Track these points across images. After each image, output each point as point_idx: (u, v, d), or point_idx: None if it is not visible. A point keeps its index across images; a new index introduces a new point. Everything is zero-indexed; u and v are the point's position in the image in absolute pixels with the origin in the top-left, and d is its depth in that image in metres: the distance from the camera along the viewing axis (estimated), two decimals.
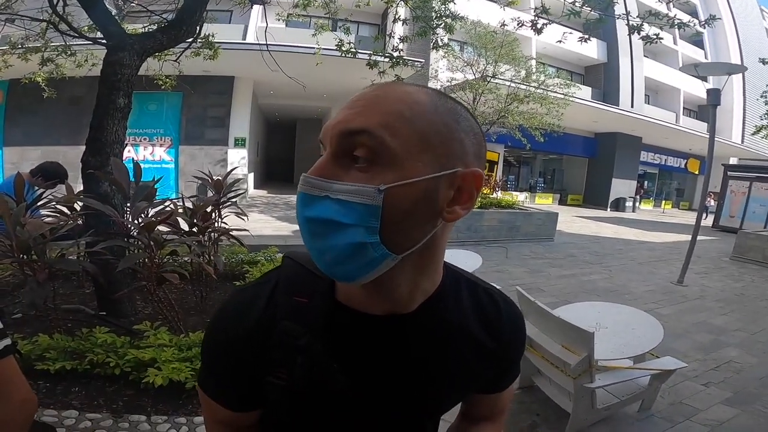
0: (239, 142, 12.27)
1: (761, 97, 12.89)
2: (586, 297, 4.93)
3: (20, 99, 10.42)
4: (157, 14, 3.90)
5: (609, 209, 19.27)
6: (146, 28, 4.00)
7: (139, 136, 11.52)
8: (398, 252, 0.44)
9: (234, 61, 8.39)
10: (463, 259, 4.08)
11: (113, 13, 3.43)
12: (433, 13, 4.12)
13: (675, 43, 21.44)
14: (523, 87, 10.19)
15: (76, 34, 3.11)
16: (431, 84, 12.17)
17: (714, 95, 6.20)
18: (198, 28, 2.95)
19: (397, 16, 4.25)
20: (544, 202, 19.42)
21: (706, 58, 23.00)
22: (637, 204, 20.16)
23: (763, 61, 12.36)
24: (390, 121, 0.43)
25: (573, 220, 13.37)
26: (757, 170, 14.10)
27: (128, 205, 2.47)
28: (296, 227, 6.20)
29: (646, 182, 23.33)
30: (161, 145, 11.91)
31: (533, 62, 11.73)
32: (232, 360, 0.54)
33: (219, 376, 0.56)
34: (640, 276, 6.47)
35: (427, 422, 0.64)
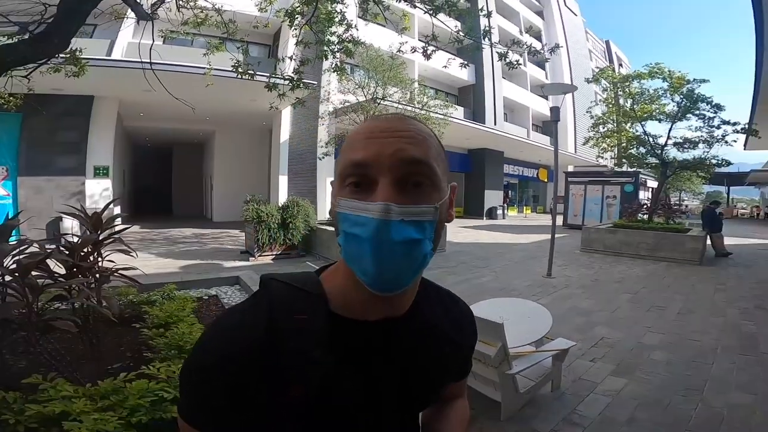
0: (101, 172, 10.66)
1: (587, 112, 15.99)
2: (482, 297, 5.42)
3: None
4: (17, 24, 3.25)
5: (485, 218, 21.54)
6: None
7: None
8: (435, 252, 0.54)
9: (95, 78, 7.39)
10: None
11: None
12: (335, 38, 4.27)
13: (525, 65, 25.08)
14: (409, 108, 10.99)
15: None
16: (322, 106, 12.33)
17: (555, 112, 7.55)
18: (70, 41, 2.56)
19: (299, 39, 4.27)
20: None
21: (546, 78, 27.72)
22: (505, 211, 22.98)
23: (587, 80, 15.40)
24: (434, 153, 0.54)
25: (459, 231, 14.62)
26: (589, 175, 17.38)
27: None
28: (184, 262, 5.68)
29: (510, 192, 26.72)
30: None
31: (416, 85, 12.73)
32: (227, 383, 0.52)
33: (208, 401, 0.53)
34: (519, 273, 7.37)
35: (416, 416, 0.70)
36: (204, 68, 4.87)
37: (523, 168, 26.64)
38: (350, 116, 10.68)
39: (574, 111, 28.60)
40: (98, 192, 10.46)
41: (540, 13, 29.18)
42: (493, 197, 22.34)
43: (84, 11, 2.45)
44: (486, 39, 4.04)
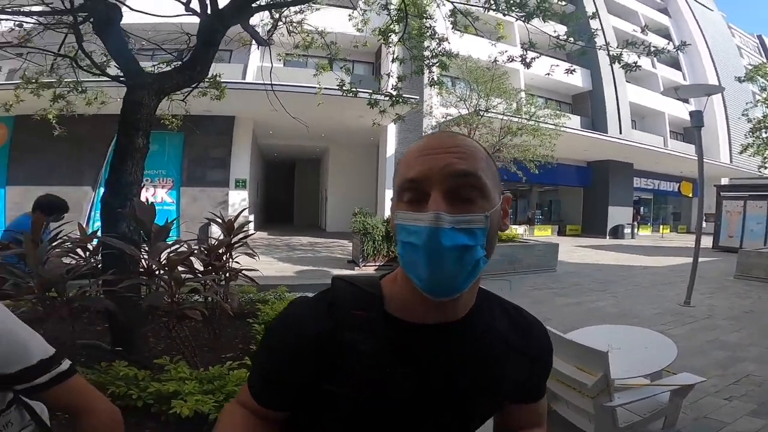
0: (240, 184, 12.41)
1: (743, 115, 13.26)
2: (595, 323, 4.87)
3: (26, 137, 10.47)
4: (170, 53, 4.09)
5: (608, 237, 19.31)
6: (155, 68, 4.16)
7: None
8: (489, 259, 0.57)
9: (235, 100, 8.68)
10: None
11: None
12: (429, 52, 4.39)
13: (654, 66, 22.21)
14: (516, 119, 10.52)
15: (99, 71, 3.25)
16: (426, 120, 12.57)
17: (697, 117, 6.42)
18: (209, 68, 3.12)
19: (395, 56, 4.50)
20: (543, 233, 19.45)
21: (684, 79, 23.86)
22: (635, 230, 20.24)
23: (738, 80, 12.85)
24: (482, 165, 0.57)
25: (573, 250, 13.42)
26: (749, 189, 14.28)
27: (146, 244, 2.55)
28: (299, 268, 6.16)
29: (642, 208, 23.56)
30: (163, 187, 11.99)
31: (523, 94, 12.16)
32: (290, 364, 0.61)
33: (270, 375, 0.64)
34: (647, 299, 6.48)
35: (472, 428, 0.69)
36: (315, 88, 5.39)
37: (659, 181, 23.28)
38: (452, 130, 10.62)
39: (726, 115, 24.12)
40: (238, 201, 12.15)
41: (664, 11, 25.60)
42: (619, 214, 19.90)
43: (216, 40, 2.95)
44: (592, 42, 3.70)
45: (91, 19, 2.85)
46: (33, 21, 3.73)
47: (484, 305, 0.67)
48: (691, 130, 7.27)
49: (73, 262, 2.69)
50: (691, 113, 6.69)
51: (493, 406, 0.69)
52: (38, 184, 9.85)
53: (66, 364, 0.82)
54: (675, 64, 24.08)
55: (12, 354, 0.75)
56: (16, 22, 3.84)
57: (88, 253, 2.88)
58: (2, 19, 3.62)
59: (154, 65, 4.49)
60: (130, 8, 3.27)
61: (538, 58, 3.96)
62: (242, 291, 3.92)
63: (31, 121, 5.60)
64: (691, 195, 23.06)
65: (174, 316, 2.16)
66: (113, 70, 3.30)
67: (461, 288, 0.54)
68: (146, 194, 11.61)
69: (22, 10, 3.26)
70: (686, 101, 20.33)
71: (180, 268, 2.51)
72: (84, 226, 3.05)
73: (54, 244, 2.87)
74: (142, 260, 2.46)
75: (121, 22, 2.83)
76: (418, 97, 9.47)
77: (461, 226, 0.52)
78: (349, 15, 4.72)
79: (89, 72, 3.58)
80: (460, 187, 0.54)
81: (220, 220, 3.71)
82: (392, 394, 0.58)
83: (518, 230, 15.89)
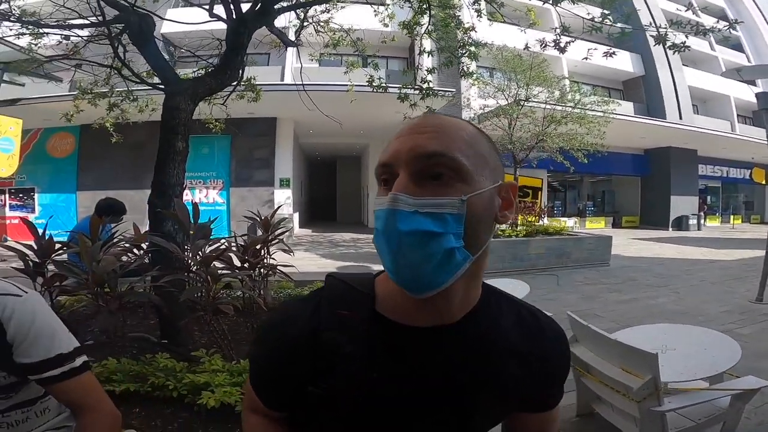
0: (284, 183, 12.79)
1: None
2: (652, 321, 4.55)
3: (91, 145, 11.36)
4: (204, 59, 4.28)
5: (671, 229, 17.90)
6: (195, 73, 4.37)
7: (195, 179, 12.18)
8: (473, 254, 0.50)
9: (275, 102, 8.79)
10: (508, 287, 3.92)
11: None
12: (456, 43, 4.26)
13: (713, 49, 20.53)
14: (559, 108, 9.98)
15: (138, 80, 3.47)
16: (464, 113, 12.25)
17: (764, 99, 5.87)
18: (240, 71, 3.21)
19: (422, 49, 4.43)
20: (596, 226, 18.40)
21: (748, 61, 21.69)
22: (701, 221, 18.61)
23: None
24: (460, 146, 0.51)
25: (630, 243, 12.57)
26: None
27: (188, 242, 2.69)
28: (340, 263, 6.27)
29: (709, 197, 21.64)
30: (214, 188, 12.63)
31: (566, 81, 11.49)
32: (274, 365, 0.60)
33: (261, 377, 0.65)
34: (713, 296, 5.94)
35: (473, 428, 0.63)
36: (347, 85, 5.43)
37: (728, 168, 21.23)
38: (492, 121, 10.25)
39: None
40: (282, 200, 12.47)
41: None
42: (683, 204, 18.36)
43: (243, 44, 3.03)
44: (637, 23, 3.43)
45: (127, 31, 3.02)
46: (73, 34, 4.00)
47: (490, 304, 0.61)
48: (760, 113, 6.58)
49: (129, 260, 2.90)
50: (757, 95, 6.09)
51: (495, 407, 0.62)
52: (104, 189, 10.50)
53: (79, 360, 0.85)
54: (737, 47, 22.01)
55: (35, 346, 0.79)
56: (62, 36, 4.15)
57: (141, 251, 3.10)
58: (45, 33, 3.93)
59: (194, 71, 4.71)
60: (161, 17, 3.44)
61: (573, 42, 3.70)
62: (280, 286, 4.04)
63: (92, 129, 6.01)
64: (764, 182, 20.86)
65: (210, 310, 2.26)
66: (157, 79, 3.50)
67: (435, 282, 0.48)
68: (200, 195, 12.36)
69: (60, 23, 3.53)
70: (753, 83, 18.47)
71: (218, 265, 2.62)
72: (147, 227, 3.26)
73: (111, 243, 3.11)
74: (186, 257, 2.60)
75: (162, 32, 2.98)
76: (453, 90, 9.22)
77: (426, 210, 0.47)
78: (374, 10, 4.68)
79: (134, 81, 3.82)
80: (429, 167, 0.49)
81: (258, 219, 3.86)
82: (382, 395, 0.55)
83: (567, 223, 15.15)
